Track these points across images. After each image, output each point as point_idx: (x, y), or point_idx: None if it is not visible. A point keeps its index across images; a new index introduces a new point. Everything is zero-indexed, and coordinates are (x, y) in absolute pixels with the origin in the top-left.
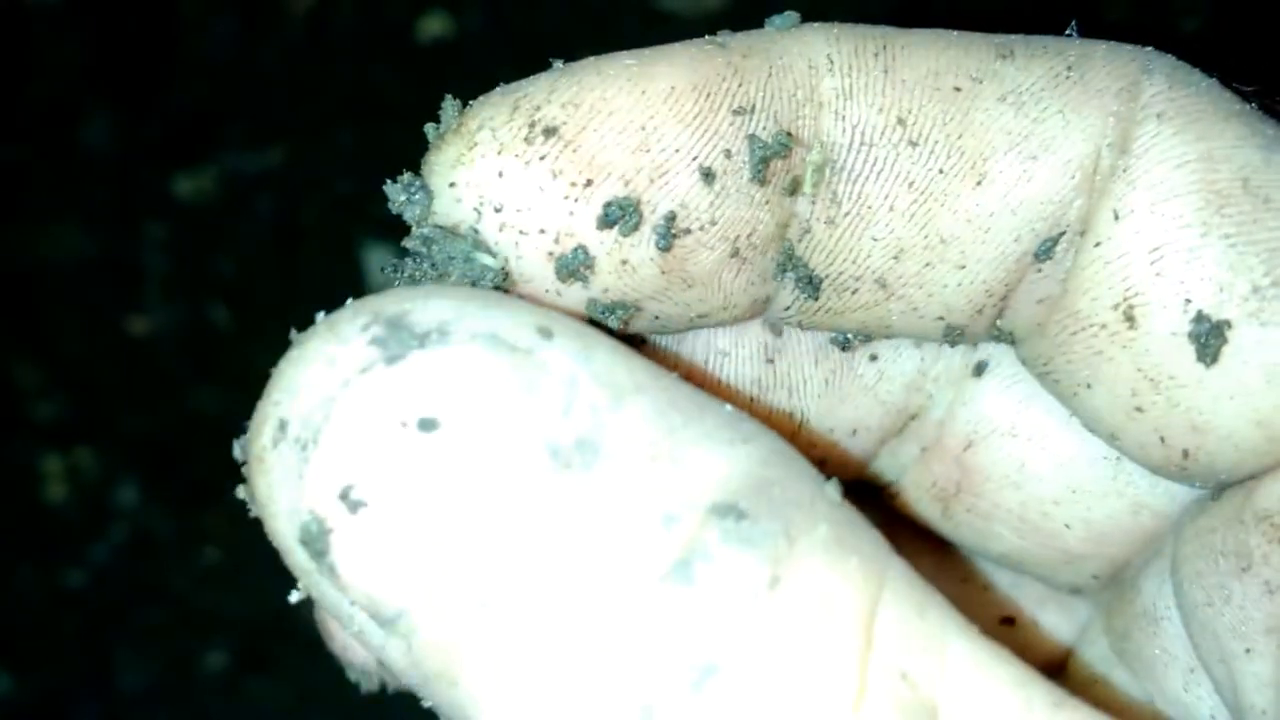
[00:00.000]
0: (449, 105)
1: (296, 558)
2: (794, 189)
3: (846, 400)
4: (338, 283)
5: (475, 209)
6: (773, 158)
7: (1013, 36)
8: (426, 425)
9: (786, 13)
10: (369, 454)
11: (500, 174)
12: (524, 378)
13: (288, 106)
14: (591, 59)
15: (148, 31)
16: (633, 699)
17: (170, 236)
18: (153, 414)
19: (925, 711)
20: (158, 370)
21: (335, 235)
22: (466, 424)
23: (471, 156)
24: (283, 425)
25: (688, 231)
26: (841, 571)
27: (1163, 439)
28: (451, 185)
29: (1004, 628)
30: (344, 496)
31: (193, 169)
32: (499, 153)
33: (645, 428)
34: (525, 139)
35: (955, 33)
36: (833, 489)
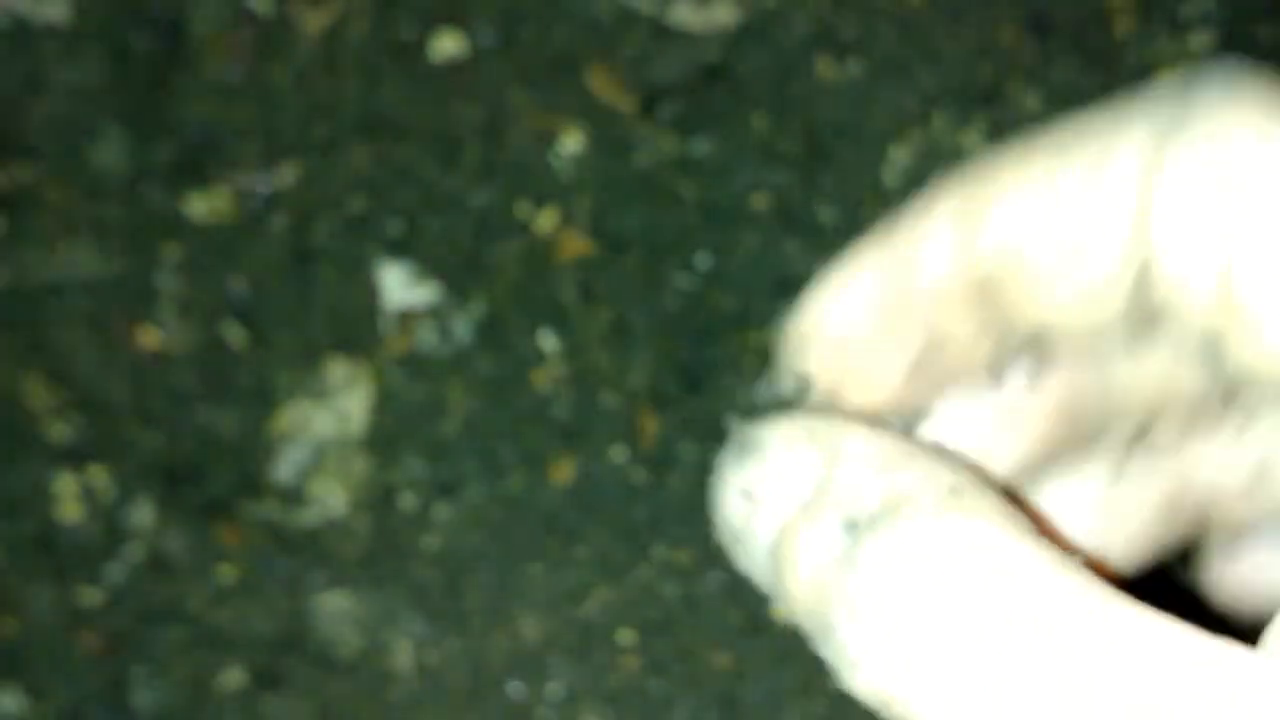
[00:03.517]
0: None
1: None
2: None
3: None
4: (351, 301)
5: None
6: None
7: None
8: (746, 496)
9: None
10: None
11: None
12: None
13: (300, 125)
14: None
15: (158, 51)
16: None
17: (183, 256)
18: (166, 433)
19: None
20: (171, 389)
21: (348, 254)
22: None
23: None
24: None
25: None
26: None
27: None
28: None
29: None
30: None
31: (205, 188)
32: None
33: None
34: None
35: None
36: None
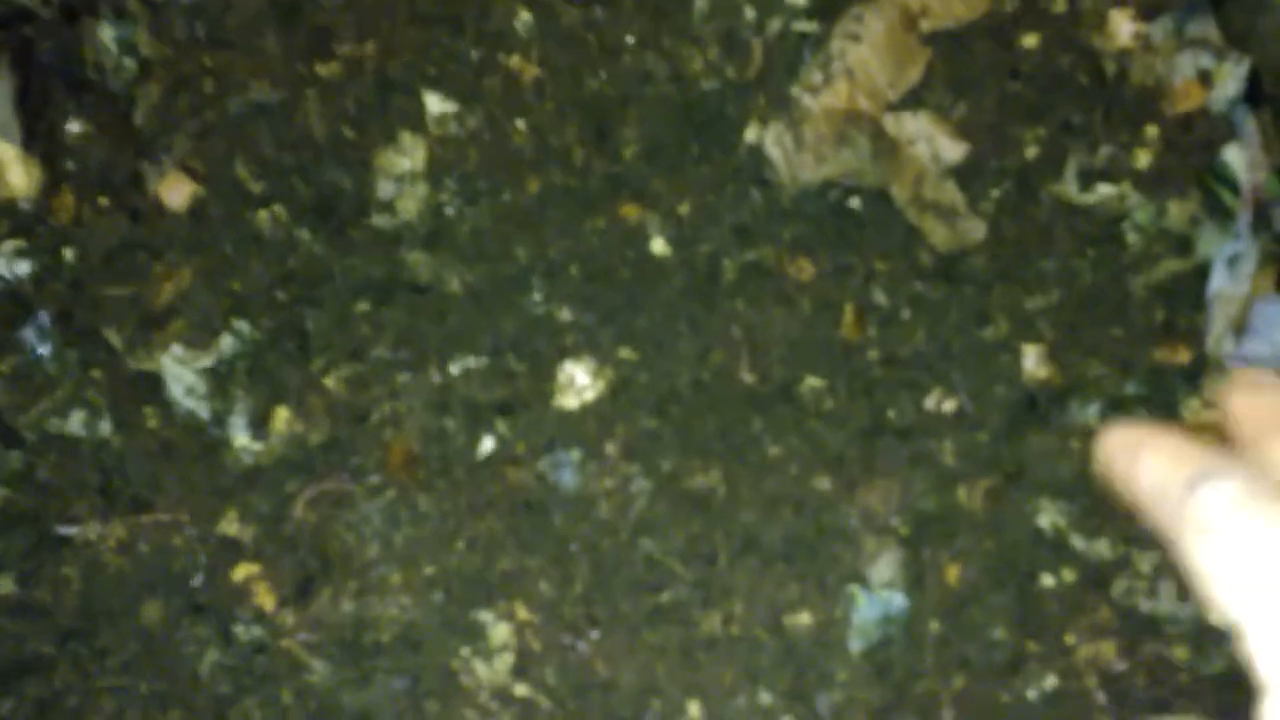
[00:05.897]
0: None
1: None
2: None
3: None
4: (408, 118)
5: None
6: None
7: None
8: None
9: None
10: None
11: None
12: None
13: None
14: None
15: None
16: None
17: (321, 93)
18: (316, 186)
19: None
20: (317, 160)
21: (398, 106)
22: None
23: None
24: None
25: None
26: None
27: None
28: None
29: None
30: None
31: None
32: None
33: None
34: None
35: None
36: None
